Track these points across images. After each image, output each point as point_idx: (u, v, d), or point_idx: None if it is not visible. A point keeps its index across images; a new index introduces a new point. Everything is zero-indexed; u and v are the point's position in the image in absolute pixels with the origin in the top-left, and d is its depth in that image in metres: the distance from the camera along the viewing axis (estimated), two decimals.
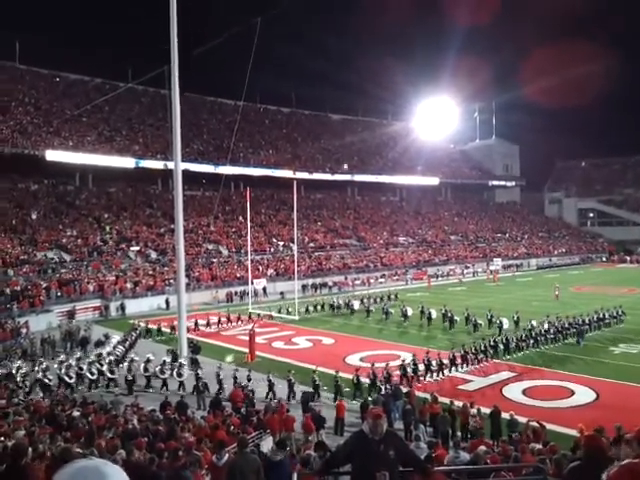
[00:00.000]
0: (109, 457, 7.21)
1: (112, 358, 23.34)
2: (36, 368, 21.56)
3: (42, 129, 55.00)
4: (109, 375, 21.60)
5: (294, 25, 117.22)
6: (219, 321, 33.95)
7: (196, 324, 32.74)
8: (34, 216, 48.13)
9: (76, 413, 13.04)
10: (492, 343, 24.64)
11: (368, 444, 4.40)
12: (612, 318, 30.83)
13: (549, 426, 14.10)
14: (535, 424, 13.60)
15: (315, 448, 9.17)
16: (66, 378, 20.87)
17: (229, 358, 25.59)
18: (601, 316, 30.41)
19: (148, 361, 21.84)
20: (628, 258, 77.18)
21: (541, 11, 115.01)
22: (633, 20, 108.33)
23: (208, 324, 33.32)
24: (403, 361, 21.72)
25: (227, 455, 7.39)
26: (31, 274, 38.43)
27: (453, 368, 22.34)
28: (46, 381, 20.26)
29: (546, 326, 27.08)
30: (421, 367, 21.47)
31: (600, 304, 32.97)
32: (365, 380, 19.72)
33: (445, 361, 22.13)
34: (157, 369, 21.54)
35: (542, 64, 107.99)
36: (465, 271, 61.58)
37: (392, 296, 42.06)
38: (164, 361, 22.13)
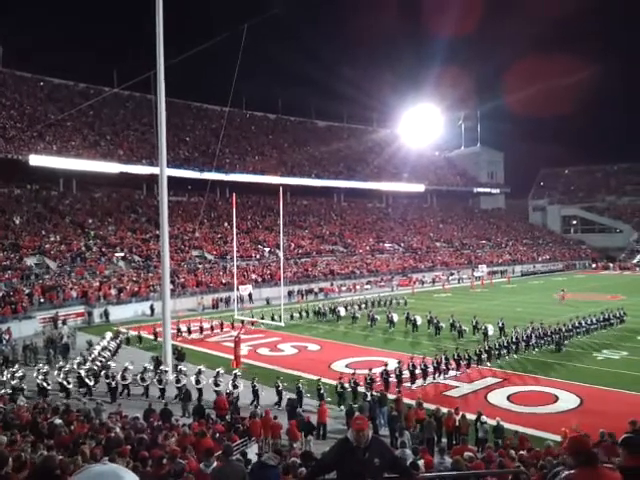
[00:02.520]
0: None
1: (102, 361, 23.15)
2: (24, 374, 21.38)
3: (25, 133, 54.36)
4: (105, 381, 21.30)
5: (281, 32, 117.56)
6: (212, 327, 33.92)
7: (189, 331, 32.83)
8: (17, 221, 47.55)
9: (58, 421, 12.83)
10: (504, 343, 25.76)
11: (353, 452, 4.37)
12: (615, 318, 32.36)
13: (533, 432, 14.18)
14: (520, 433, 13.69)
15: (301, 457, 9.13)
16: (65, 384, 20.69)
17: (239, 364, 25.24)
18: (606, 317, 31.89)
19: (145, 370, 21.59)
20: (611, 265, 78.08)
21: (524, 21, 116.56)
22: (615, 30, 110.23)
23: (201, 330, 33.35)
24: (399, 362, 21.76)
25: (215, 462, 7.32)
26: (14, 280, 37.94)
27: (437, 374, 22.34)
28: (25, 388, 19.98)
29: (529, 332, 27.28)
30: (407, 373, 21.50)
31: (584, 311, 33.30)
32: (361, 385, 19.68)
33: (431, 368, 22.17)
34: (155, 377, 21.33)
35: (526, 73, 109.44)
36: (450, 277, 61.91)
37: (400, 301, 42.69)
38: (161, 369, 21.97)
